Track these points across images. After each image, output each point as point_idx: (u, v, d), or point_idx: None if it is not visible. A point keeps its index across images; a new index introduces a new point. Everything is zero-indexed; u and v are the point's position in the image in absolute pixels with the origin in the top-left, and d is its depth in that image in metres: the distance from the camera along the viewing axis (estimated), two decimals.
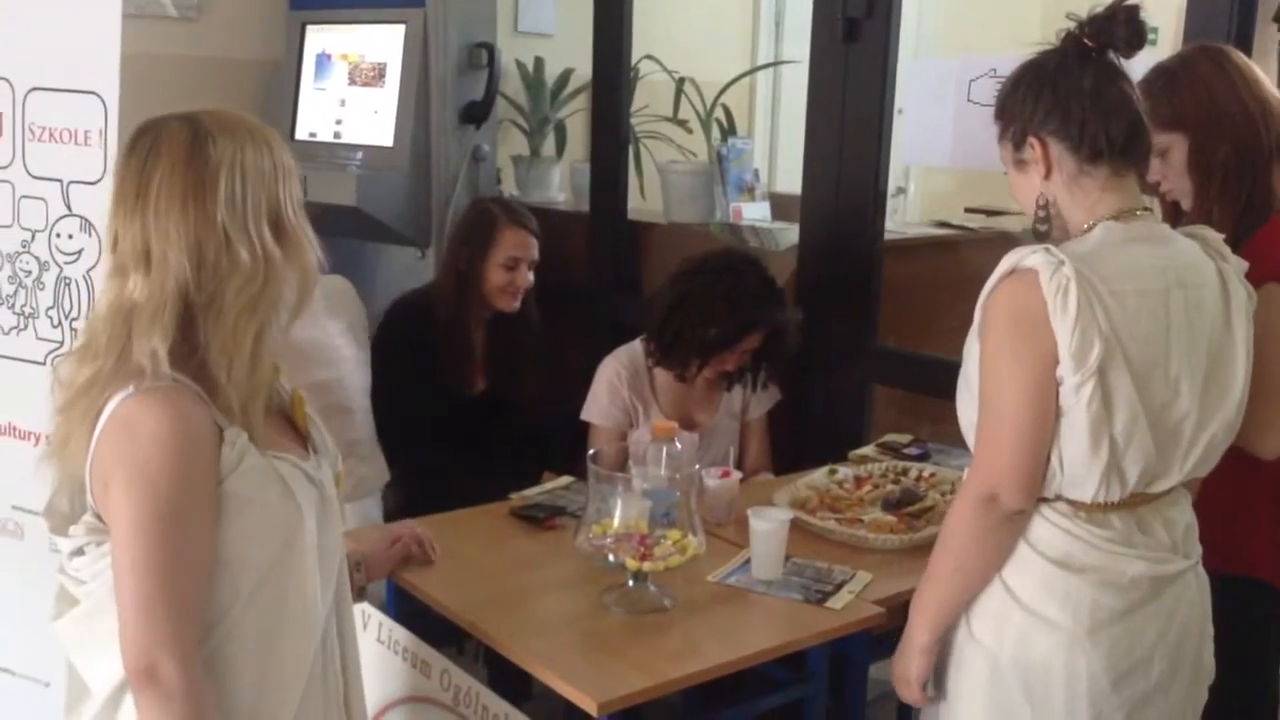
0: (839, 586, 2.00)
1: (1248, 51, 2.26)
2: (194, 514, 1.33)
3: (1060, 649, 1.52)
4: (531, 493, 2.38)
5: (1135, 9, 1.54)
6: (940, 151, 2.80)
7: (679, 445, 2.17)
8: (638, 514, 1.98)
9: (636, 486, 2.08)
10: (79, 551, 1.41)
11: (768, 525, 2.03)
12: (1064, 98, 1.54)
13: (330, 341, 2.65)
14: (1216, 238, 1.61)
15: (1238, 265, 1.60)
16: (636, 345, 2.74)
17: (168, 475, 1.31)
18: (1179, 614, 1.58)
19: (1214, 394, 1.54)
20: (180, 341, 1.36)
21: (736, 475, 2.34)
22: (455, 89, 3.42)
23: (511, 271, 2.86)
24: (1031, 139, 1.56)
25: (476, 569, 2.07)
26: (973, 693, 1.60)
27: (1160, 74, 1.89)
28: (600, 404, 2.71)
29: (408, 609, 2.04)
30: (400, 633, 1.94)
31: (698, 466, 2.27)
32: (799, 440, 2.89)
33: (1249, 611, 1.86)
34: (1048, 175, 1.56)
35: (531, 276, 2.89)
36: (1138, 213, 1.56)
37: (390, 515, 2.75)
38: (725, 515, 2.26)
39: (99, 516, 1.38)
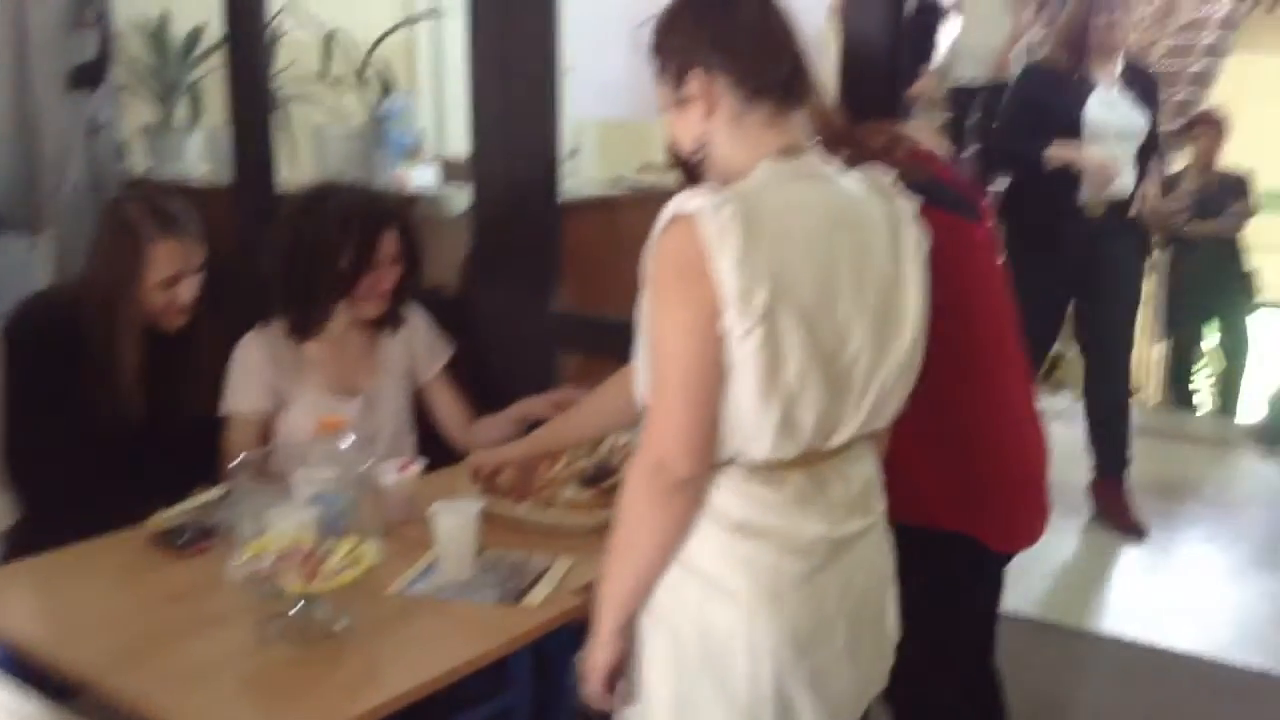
0: (537, 579, 1.83)
1: None
2: None
3: (740, 618, 1.43)
4: (176, 511, 2.05)
5: None
6: (614, 103, 2.64)
7: (347, 440, 1.93)
8: (301, 525, 1.73)
9: (298, 493, 1.83)
10: None
11: (454, 520, 1.83)
12: (726, 30, 1.45)
13: None
14: (886, 178, 1.55)
15: (907, 205, 1.53)
16: (275, 320, 2.44)
17: None
18: (858, 577, 1.52)
19: (885, 338, 1.47)
20: None
21: (417, 466, 2.11)
22: (59, 49, 2.98)
23: (171, 289, 2.39)
24: (693, 73, 1.45)
25: (102, 613, 1.74)
26: (655, 669, 1.49)
27: None
28: (240, 390, 2.36)
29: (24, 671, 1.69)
30: (21, 704, 1.59)
31: (371, 461, 2.03)
32: (482, 415, 2.70)
33: (935, 563, 1.83)
34: (710, 113, 1.46)
35: (197, 284, 2.44)
36: (801, 150, 1.47)
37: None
38: (406, 513, 2.03)
39: None
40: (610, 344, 2.55)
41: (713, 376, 1.38)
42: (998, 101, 5.91)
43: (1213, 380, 5.74)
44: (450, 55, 4.43)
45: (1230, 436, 4.99)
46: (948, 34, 5.64)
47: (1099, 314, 3.83)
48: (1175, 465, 4.61)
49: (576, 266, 2.81)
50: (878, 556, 1.57)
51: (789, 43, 1.47)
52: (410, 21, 4.10)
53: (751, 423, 1.40)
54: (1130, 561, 3.71)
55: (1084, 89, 3.63)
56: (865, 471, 1.55)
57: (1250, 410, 5.25)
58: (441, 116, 4.51)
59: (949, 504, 1.85)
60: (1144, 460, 3.90)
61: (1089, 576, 3.61)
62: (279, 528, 1.71)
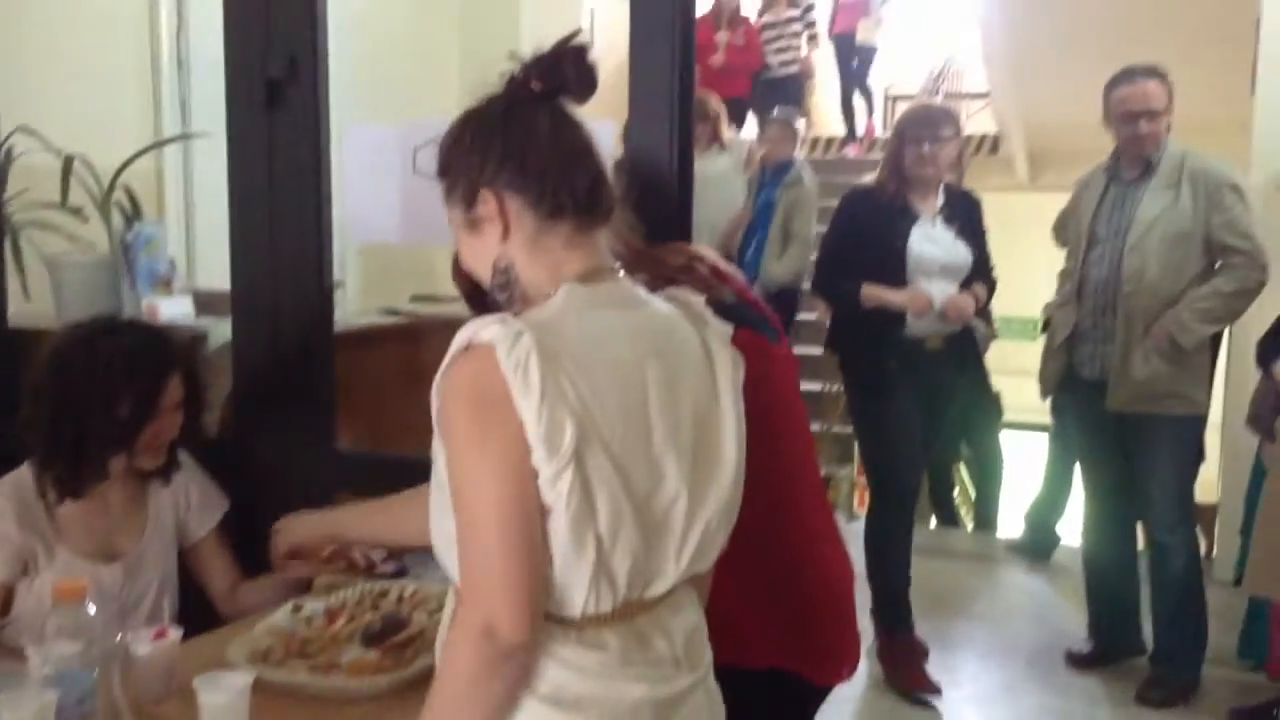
0: None
1: None
2: None
3: None
4: None
5: (583, 49, 1.38)
6: (388, 229, 2.52)
7: (92, 609, 1.67)
8: (39, 711, 1.47)
9: (33, 672, 1.56)
10: None
11: (222, 697, 1.59)
12: (519, 146, 1.35)
13: None
14: (698, 302, 1.48)
15: (721, 330, 1.46)
16: (21, 473, 2.14)
17: None
18: None
19: (704, 474, 1.37)
20: None
21: (175, 634, 1.85)
22: None
23: None
24: (485, 193, 1.35)
25: None
26: None
27: None
28: None
29: None
30: None
31: (122, 635, 1.77)
32: (255, 573, 2.45)
33: (760, 704, 1.73)
34: (506, 235, 1.36)
35: None
36: (606, 274, 1.38)
37: None
38: (164, 689, 1.76)
39: None
40: (395, 483, 2.39)
41: (535, 521, 1.25)
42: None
43: (967, 498, 5.99)
44: (202, 181, 4.19)
45: (993, 552, 5.19)
46: None
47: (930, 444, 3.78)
48: (945, 583, 4.74)
49: (353, 401, 2.63)
50: (707, 716, 1.44)
51: (587, 158, 1.38)
52: (159, 145, 3.85)
53: (567, 575, 1.27)
54: None
55: (907, 220, 3.58)
56: (689, 621, 1.42)
57: (1008, 526, 5.49)
58: (193, 246, 4.25)
59: (771, 640, 1.77)
60: (915, 579, 3.97)
61: (877, 702, 3.60)
62: (11, 716, 1.44)
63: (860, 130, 9.62)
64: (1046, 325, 3.96)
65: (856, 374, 3.75)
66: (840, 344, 3.80)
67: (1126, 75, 3.54)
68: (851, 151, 9.45)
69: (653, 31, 2.12)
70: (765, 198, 5.65)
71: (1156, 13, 7.22)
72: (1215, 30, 6.26)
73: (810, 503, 1.90)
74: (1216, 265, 3.49)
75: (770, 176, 5.70)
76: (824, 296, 4.05)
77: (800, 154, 6.04)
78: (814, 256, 4.25)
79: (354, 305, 4.22)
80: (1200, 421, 3.64)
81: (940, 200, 3.65)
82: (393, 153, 2.39)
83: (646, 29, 2.13)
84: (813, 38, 8.54)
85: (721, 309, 1.61)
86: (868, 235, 3.61)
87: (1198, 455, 3.75)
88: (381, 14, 4.76)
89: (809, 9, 8.53)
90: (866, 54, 9.33)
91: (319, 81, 2.41)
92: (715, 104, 5.61)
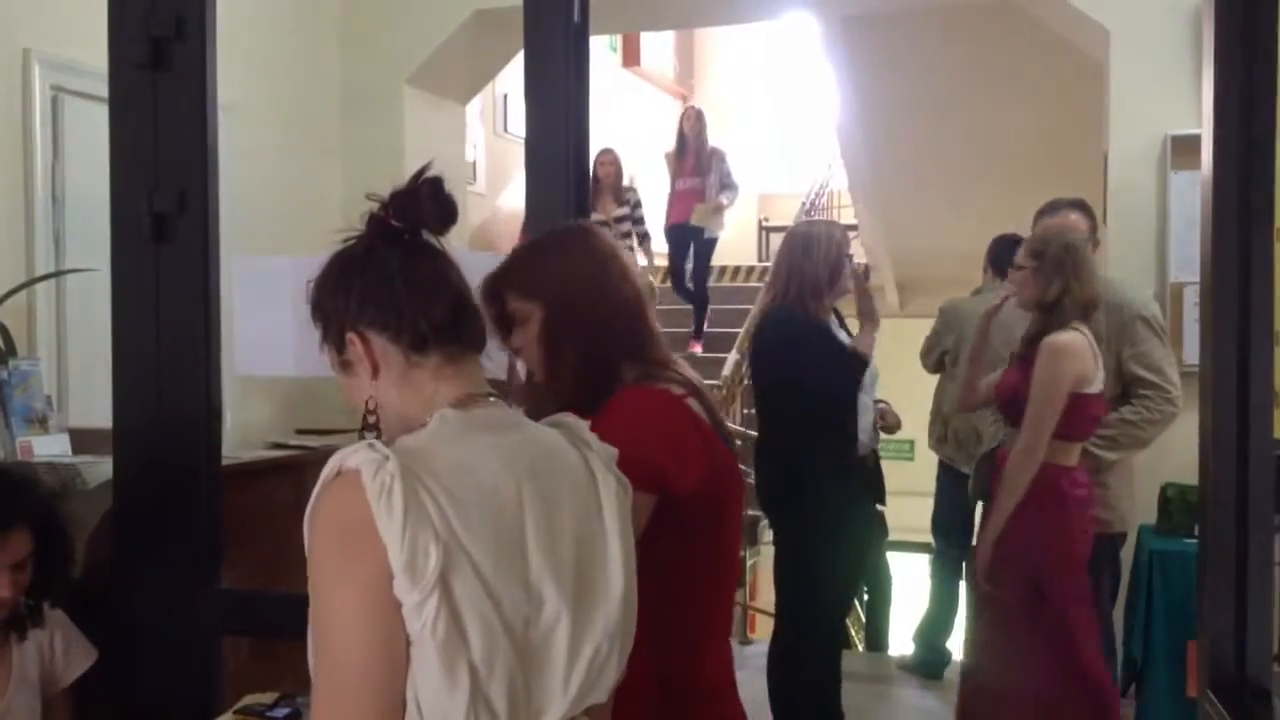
0: None
1: None
2: None
3: None
4: None
5: (438, 182, 1.41)
6: (280, 361, 2.49)
7: None
8: None
9: None
10: None
11: None
12: (374, 284, 1.37)
13: None
14: (581, 425, 1.47)
15: (605, 453, 1.45)
16: None
17: None
18: None
19: (588, 598, 1.34)
20: None
21: None
22: None
23: None
24: (351, 335, 1.37)
25: None
26: None
27: (529, 244, 1.88)
28: None
29: None
30: None
31: None
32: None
33: None
34: (376, 374, 1.37)
35: None
36: (480, 400, 1.38)
37: None
38: None
39: None
40: (283, 622, 2.30)
41: (393, 658, 1.21)
42: None
43: (857, 618, 6.01)
44: (75, 317, 4.07)
45: (886, 672, 5.20)
46: None
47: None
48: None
49: (238, 537, 2.55)
50: None
51: (444, 287, 1.40)
52: (35, 281, 3.74)
53: (441, 708, 1.22)
54: None
55: (834, 333, 3.61)
56: None
57: (899, 644, 5.51)
58: (65, 383, 4.10)
59: None
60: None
61: None
62: None
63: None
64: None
65: (817, 505, 3.51)
66: (804, 476, 3.54)
67: (1051, 207, 3.72)
68: (696, 349, 8.24)
69: (547, 164, 2.17)
70: None
71: (1009, 149, 7.64)
72: (1067, 164, 6.63)
73: (724, 625, 1.90)
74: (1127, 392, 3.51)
75: None
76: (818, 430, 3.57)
77: None
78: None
79: (235, 439, 4.11)
80: (1109, 539, 3.63)
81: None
82: (285, 284, 2.38)
83: (541, 162, 2.19)
84: (643, 237, 7.66)
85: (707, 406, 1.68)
86: (821, 356, 3.54)
87: (1112, 573, 3.73)
88: (263, 151, 4.76)
89: (637, 205, 7.70)
90: (705, 244, 8.09)
91: (209, 216, 2.39)
92: None
